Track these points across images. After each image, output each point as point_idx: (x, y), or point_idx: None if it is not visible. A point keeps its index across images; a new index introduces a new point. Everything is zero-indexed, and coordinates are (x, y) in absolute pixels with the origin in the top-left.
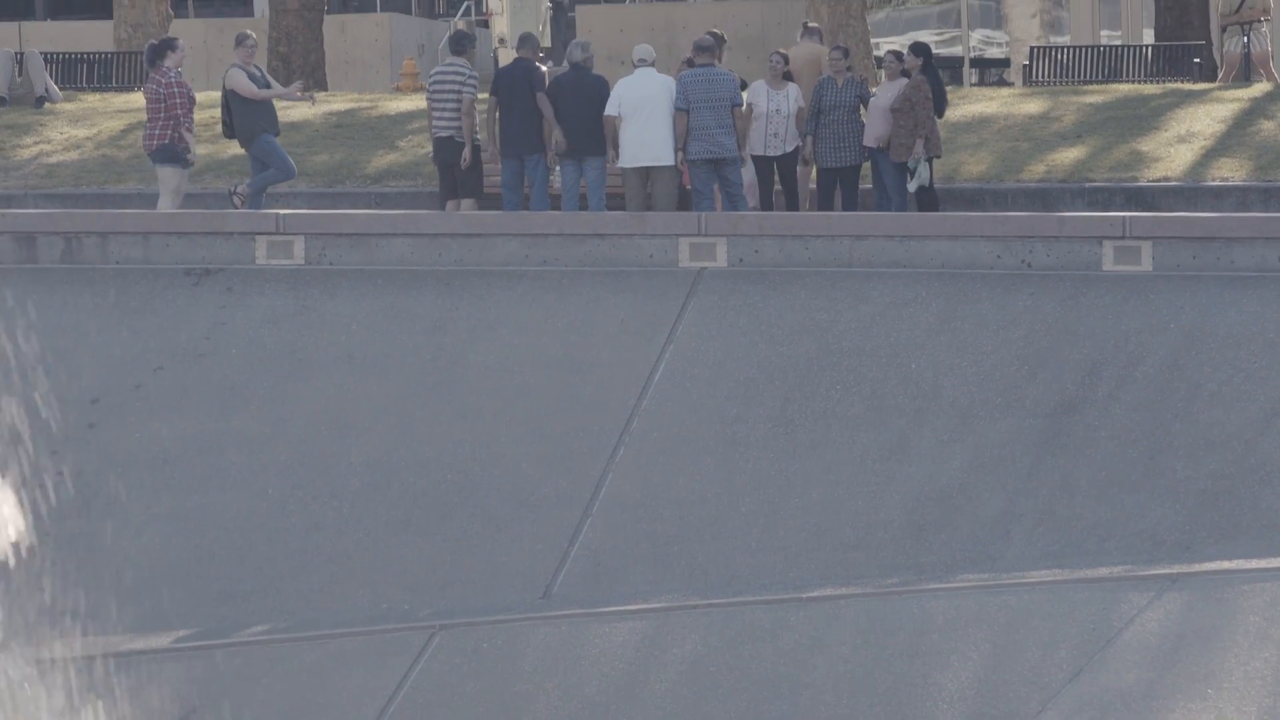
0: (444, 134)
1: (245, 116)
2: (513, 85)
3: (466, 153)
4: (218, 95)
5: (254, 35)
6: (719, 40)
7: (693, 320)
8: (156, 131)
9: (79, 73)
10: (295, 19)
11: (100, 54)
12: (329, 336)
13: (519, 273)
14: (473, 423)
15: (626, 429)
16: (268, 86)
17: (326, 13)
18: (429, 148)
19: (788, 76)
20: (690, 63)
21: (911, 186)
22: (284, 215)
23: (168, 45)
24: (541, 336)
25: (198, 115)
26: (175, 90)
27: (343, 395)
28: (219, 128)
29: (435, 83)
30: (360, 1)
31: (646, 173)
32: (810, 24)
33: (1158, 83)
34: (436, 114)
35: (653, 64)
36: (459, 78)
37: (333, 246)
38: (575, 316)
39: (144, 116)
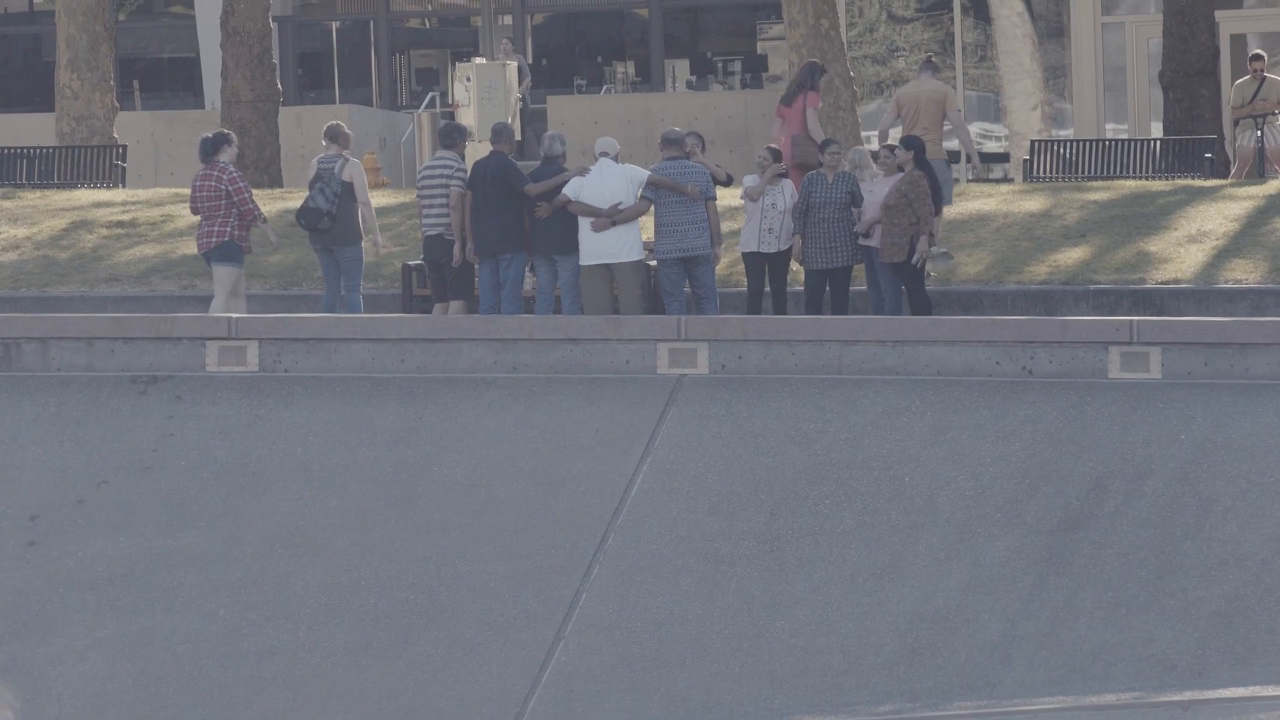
0: (433, 231)
1: (353, 215)
2: (486, 180)
3: (456, 250)
4: (165, 192)
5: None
6: (698, 138)
7: (672, 430)
8: (216, 229)
9: (18, 168)
10: (249, 111)
11: (41, 149)
12: (284, 448)
13: (487, 380)
14: (437, 540)
15: (601, 546)
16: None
17: (282, 104)
18: (390, 247)
19: (781, 173)
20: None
21: (935, 273)
22: (236, 319)
23: (223, 139)
24: (511, 448)
25: (148, 214)
26: (241, 185)
27: (299, 511)
28: (167, 225)
29: (424, 178)
30: (318, 93)
31: (607, 272)
32: (931, 57)
33: (1166, 179)
34: (425, 211)
35: (615, 157)
36: (447, 171)
37: (288, 352)
38: (547, 427)
39: (89, 215)
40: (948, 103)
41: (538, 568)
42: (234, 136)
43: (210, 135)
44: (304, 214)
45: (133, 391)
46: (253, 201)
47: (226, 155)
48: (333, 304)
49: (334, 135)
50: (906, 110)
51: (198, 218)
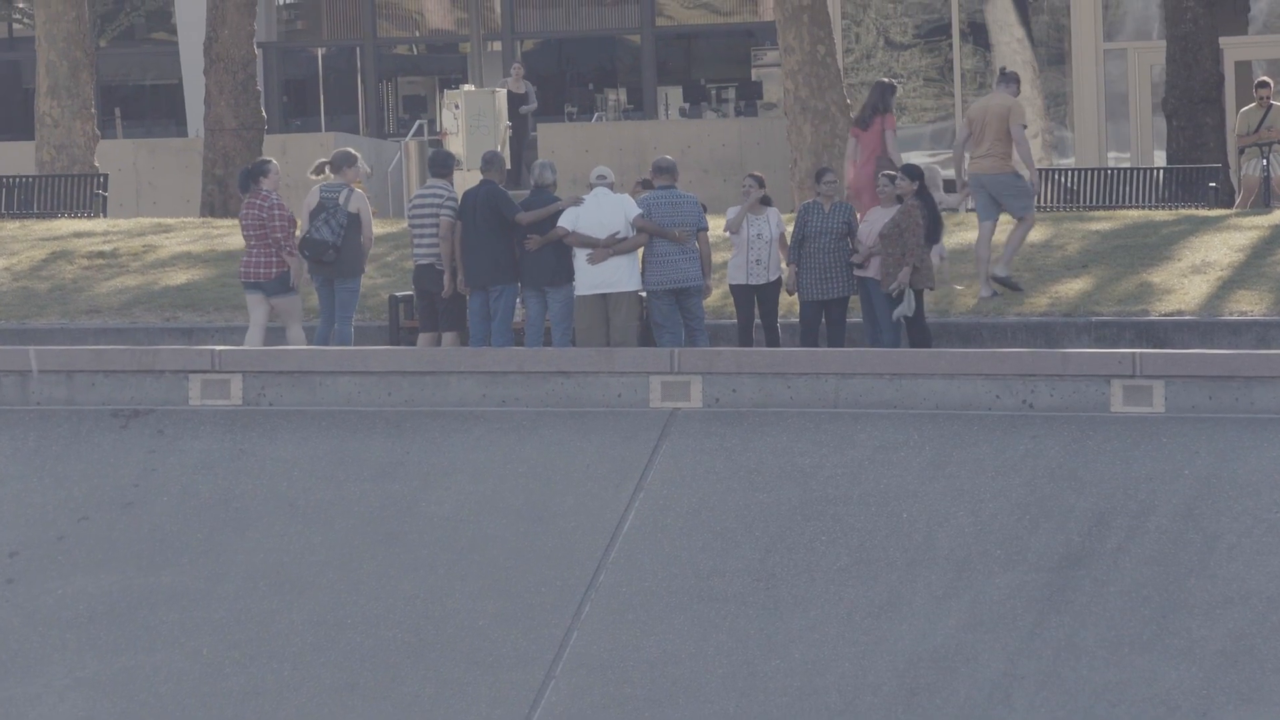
0: (424, 261)
1: (358, 248)
2: (476, 209)
3: (447, 280)
4: (146, 221)
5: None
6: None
7: (665, 465)
8: (264, 259)
9: None
10: (233, 139)
11: (20, 178)
12: (268, 483)
13: (476, 414)
14: (425, 577)
15: (593, 584)
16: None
17: (266, 132)
18: (377, 279)
19: (765, 201)
20: (646, 184)
21: (895, 314)
22: (219, 351)
23: (260, 168)
24: (500, 483)
25: (130, 244)
26: (278, 214)
27: (283, 547)
28: (149, 255)
29: (415, 206)
30: (304, 120)
31: (603, 302)
32: (1006, 68)
33: (1170, 208)
34: (416, 240)
35: (611, 185)
36: (438, 199)
37: (273, 385)
38: (537, 461)
39: (69, 245)
40: (1011, 116)
41: (527, 605)
42: (273, 163)
43: (248, 165)
44: (308, 245)
45: (114, 426)
46: (284, 232)
47: (267, 183)
48: (327, 336)
49: (339, 164)
50: (975, 126)
51: (179, 249)
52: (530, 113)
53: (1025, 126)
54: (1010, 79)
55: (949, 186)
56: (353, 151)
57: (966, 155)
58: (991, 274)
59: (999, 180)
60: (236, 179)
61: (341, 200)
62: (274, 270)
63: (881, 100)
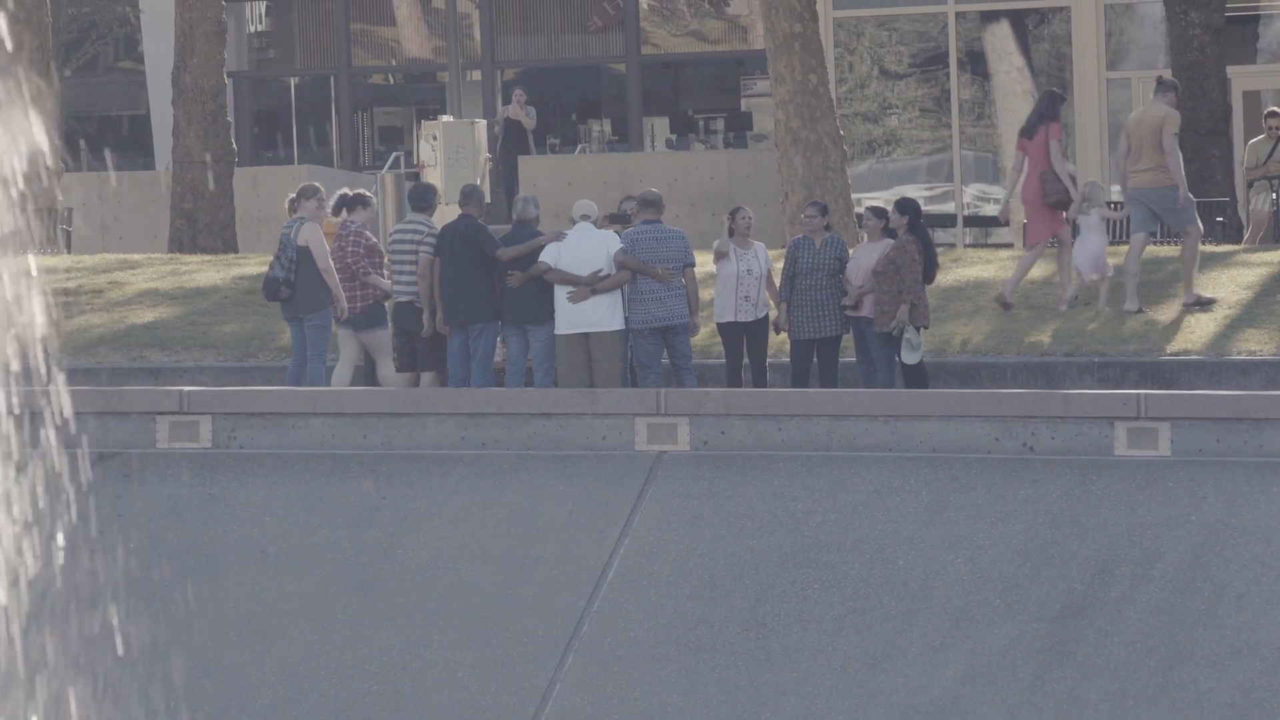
0: (404, 298)
1: (315, 282)
2: (455, 245)
3: (426, 319)
4: (112, 258)
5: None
6: (634, 203)
7: (651, 511)
8: (350, 293)
9: None
10: (202, 172)
11: None
12: (239, 529)
13: (454, 457)
14: (401, 626)
15: (576, 634)
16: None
17: (237, 165)
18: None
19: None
20: (616, 219)
21: (912, 358)
22: (188, 392)
23: (353, 201)
24: (480, 529)
25: (94, 280)
26: (349, 249)
27: (254, 596)
28: (114, 292)
29: (395, 242)
30: (275, 153)
31: (585, 342)
32: (1163, 76)
33: (1176, 243)
34: (396, 277)
35: (594, 220)
36: (417, 235)
37: (243, 427)
38: (518, 506)
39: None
40: (1165, 126)
41: (508, 656)
42: (369, 197)
43: (349, 193)
44: (264, 285)
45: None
46: (357, 260)
47: (357, 216)
48: (299, 376)
49: (300, 197)
50: (1134, 139)
51: (145, 286)
52: (531, 130)
53: (1175, 136)
54: (1168, 87)
55: (1113, 205)
56: (317, 185)
57: (1125, 169)
58: (1184, 301)
59: (1160, 194)
60: (331, 204)
61: (293, 234)
62: (358, 304)
63: (1050, 108)
